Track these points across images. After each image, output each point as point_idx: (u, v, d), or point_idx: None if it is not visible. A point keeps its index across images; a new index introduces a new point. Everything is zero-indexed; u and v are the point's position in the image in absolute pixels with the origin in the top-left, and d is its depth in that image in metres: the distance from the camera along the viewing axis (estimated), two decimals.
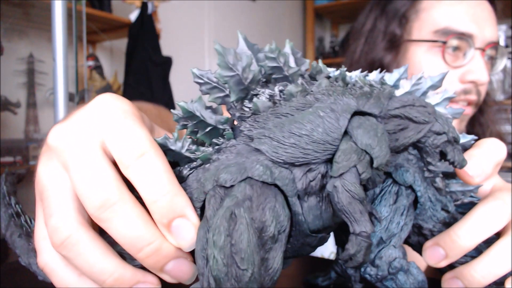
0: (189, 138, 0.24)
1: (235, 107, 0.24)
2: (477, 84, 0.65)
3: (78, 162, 0.22)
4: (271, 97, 0.23)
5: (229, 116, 0.24)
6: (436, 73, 0.31)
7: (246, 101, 0.23)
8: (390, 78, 0.31)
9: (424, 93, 0.31)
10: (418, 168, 0.31)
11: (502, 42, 2.12)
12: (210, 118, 0.23)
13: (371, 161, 0.22)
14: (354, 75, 0.26)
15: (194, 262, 0.23)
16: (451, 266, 0.29)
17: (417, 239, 0.33)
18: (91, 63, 1.65)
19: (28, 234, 0.28)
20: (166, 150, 0.23)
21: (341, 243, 0.35)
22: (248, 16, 2.48)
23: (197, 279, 0.22)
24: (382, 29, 0.70)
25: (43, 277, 0.26)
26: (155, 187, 0.21)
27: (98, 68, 1.66)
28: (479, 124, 0.72)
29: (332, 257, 0.67)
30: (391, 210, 0.29)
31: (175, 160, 0.24)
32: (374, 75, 0.30)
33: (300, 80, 0.24)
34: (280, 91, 0.23)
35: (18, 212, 0.29)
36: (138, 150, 0.21)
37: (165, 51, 1.71)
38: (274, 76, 0.23)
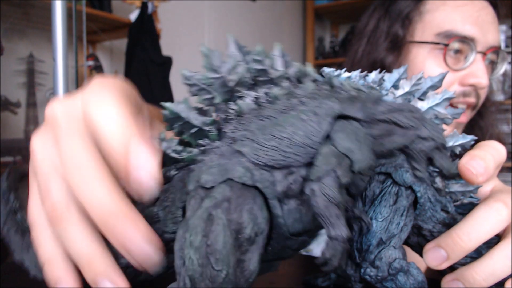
0: (176, 138, 0.24)
1: (221, 109, 0.24)
2: (476, 88, 0.65)
3: (62, 137, 0.23)
4: (256, 100, 0.23)
5: (217, 118, 0.24)
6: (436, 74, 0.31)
7: (231, 103, 0.23)
8: (389, 78, 0.31)
9: (424, 93, 0.31)
10: None
11: (502, 42, 2.12)
12: (195, 119, 0.23)
13: (352, 165, 0.22)
14: (348, 76, 0.26)
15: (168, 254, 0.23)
16: (451, 267, 0.29)
17: (417, 239, 0.33)
18: (91, 63, 1.65)
19: (24, 230, 0.28)
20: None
21: None
22: (248, 16, 2.48)
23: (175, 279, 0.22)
24: (385, 30, 0.70)
25: (35, 273, 0.26)
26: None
27: (98, 68, 1.67)
28: (479, 127, 0.72)
29: None
30: (391, 211, 0.29)
31: (162, 161, 0.24)
32: (374, 75, 0.30)
33: (286, 83, 0.24)
34: (266, 93, 0.23)
35: (16, 208, 0.29)
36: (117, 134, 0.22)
37: (165, 51, 1.71)
38: (260, 78, 0.23)
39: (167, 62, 1.67)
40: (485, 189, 0.33)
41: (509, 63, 0.74)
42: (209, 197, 0.21)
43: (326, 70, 0.28)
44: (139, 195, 0.22)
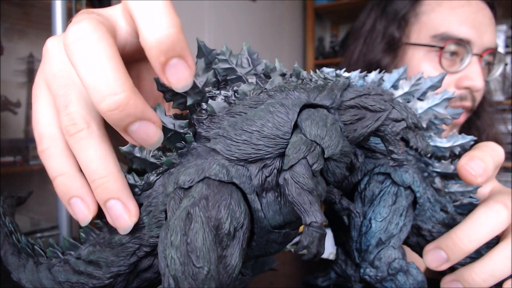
0: None
1: (194, 110, 0.24)
2: (472, 90, 0.65)
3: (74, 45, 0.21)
4: (226, 98, 0.24)
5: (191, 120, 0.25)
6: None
7: (203, 104, 0.24)
8: (389, 78, 0.31)
9: (424, 94, 0.31)
10: (418, 168, 0.31)
11: (501, 42, 2.11)
12: (170, 123, 0.24)
13: (323, 151, 0.22)
14: (347, 76, 0.26)
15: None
16: (451, 267, 0.29)
17: (416, 239, 0.33)
18: None
19: (19, 251, 0.29)
20: (132, 157, 0.24)
21: (340, 243, 0.35)
22: (248, 16, 2.48)
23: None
24: (381, 31, 0.70)
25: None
26: (159, 25, 0.20)
27: None
28: (476, 127, 0.71)
29: (332, 257, 0.67)
30: (390, 211, 0.29)
31: (142, 167, 0.25)
32: (373, 75, 0.30)
33: (253, 79, 0.24)
34: (235, 91, 0.24)
35: (11, 231, 0.30)
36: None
37: None
38: (228, 77, 0.24)
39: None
40: (484, 190, 0.33)
41: (506, 64, 0.74)
42: (187, 196, 0.22)
43: (326, 70, 0.28)
44: (173, 86, 0.20)
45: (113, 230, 0.25)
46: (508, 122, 0.92)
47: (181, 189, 0.23)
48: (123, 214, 0.23)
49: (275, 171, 0.23)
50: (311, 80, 0.25)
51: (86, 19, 0.21)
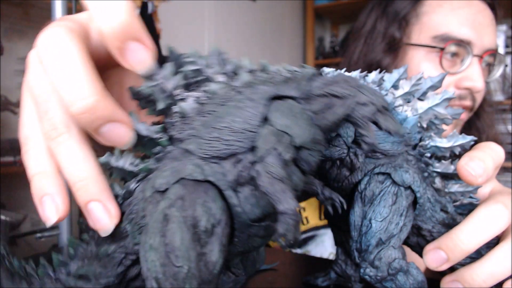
0: (130, 152, 0.25)
1: (167, 114, 0.24)
2: (472, 91, 0.65)
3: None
4: (197, 99, 0.24)
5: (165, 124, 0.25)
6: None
7: (175, 107, 0.24)
8: (389, 78, 0.31)
9: (424, 94, 0.31)
10: (418, 169, 0.31)
11: (501, 42, 2.11)
12: (144, 130, 0.24)
13: (293, 140, 0.23)
14: (351, 75, 0.26)
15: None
16: (451, 267, 0.29)
17: (416, 239, 0.33)
18: None
19: (13, 275, 0.29)
20: (110, 168, 0.24)
21: (340, 243, 0.35)
22: (248, 16, 2.48)
23: None
24: (382, 31, 0.69)
25: None
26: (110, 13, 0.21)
27: None
28: (476, 128, 0.72)
29: (332, 257, 0.67)
30: (390, 211, 0.29)
31: (122, 177, 0.25)
32: (374, 75, 0.31)
33: (222, 78, 0.24)
34: (204, 91, 0.24)
35: (3, 255, 0.30)
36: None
37: (165, 51, 1.71)
38: (197, 78, 0.24)
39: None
40: (484, 190, 0.33)
41: (506, 65, 0.74)
42: (164, 199, 0.22)
43: (326, 70, 0.28)
44: (136, 69, 0.22)
45: (99, 243, 0.26)
46: (508, 122, 0.92)
47: (158, 192, 0.23)
48: (104, 216, 0.23)
49: (249, 164, 0.23)
50: (279, 74, 0.25)
51: (55, 26, 0.22)
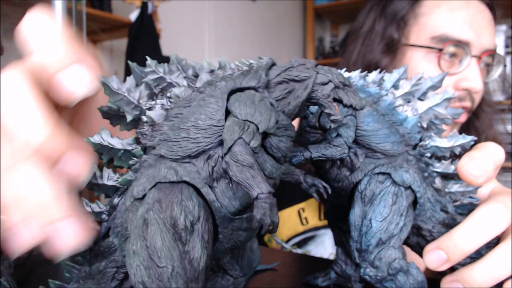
0: (109, 168, 0.25)
1: (138, 125, 0.25)
2: (470, 92, 0.65)
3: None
4: (163, 106, 0.25)
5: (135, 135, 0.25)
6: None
7: (143, 117, 0.25)
8: (389, 78, 0.31)
9: (424, 94, 0.31)
10: (418, 168, 0.31)
11: (501, 42, 2.11)
12: (118, 143, 0.25)
13: (257, 127, 0.23)
14: (348, 77, 0.27)
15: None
16: (451, 267, 0.29)
17: (416, 239, 0.33)
18: None
19: None
20: (92, 186, 0.25)
21: (340, 243, 0.35)
22: (248, 16, 2.48)
23: None
24: (380, 32, 0.69)
25: None
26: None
27: None
28: (475, 129, 0.72)
29: (332, 257, 0.67)
30: (390, 211, 0.29)
31: (104, 192, 0.25)
32: (374, 75, 0.31)
33: (184, 82, 0.25)
34: (168, 97, 0.25)
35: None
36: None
37: (165, 51, 1.71)
38: (160, 86, 0.25)
39: (167, 62, 1.67)
40: (484, 190, 0.33)
41: (505, 66, 0.74)
42: (142, 205, 0.23)
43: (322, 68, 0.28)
44: (66, 98, 0.22)
45: (91, 261, 0.26)
46: (508, 122, 0.92)
47: (136, 200, 0.23)
48: (74, 235, 0.22)
49: (220, 159, 0.24)
50: (237, 69, 0.26)
51: (10, 70, 0.24)
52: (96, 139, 0.25)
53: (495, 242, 0.30)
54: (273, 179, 0.25)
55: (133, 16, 1.66)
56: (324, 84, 0.25)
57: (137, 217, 0.22)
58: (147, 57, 0.25)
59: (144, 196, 0.23)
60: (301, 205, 0.71)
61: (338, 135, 0.29)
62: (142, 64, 0.26)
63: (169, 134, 0.24)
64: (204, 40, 2.23)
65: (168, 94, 0.25)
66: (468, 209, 0.32)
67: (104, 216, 0.26)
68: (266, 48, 2.58)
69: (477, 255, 0.30)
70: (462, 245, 0.28)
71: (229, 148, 0.22)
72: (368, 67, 0.68)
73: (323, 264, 0.44)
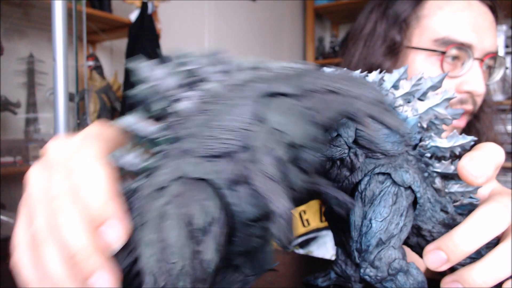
0: (135, 151, 0.25)
1: (166, 115, 0.25)
2: (473, 95, 0.64)
3: (51, 175, 0.25)
4: (191, 99, 0.24)
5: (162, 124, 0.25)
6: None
7: (171, 108, 0.24)
8: (389, 78, 0.31)
9: (424, 94, 0.31)
10: (418, 169, 0.31)
11: (501, 42, 2.11)
12: (145, 129, 0.24)
13: (288, 139, 0.22)
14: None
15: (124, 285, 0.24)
16: (451, 267, 0.29)
17: (416, 240, 0.33)
18: (91, 63, 1.64)
19: None
20: (115, 166, 0.25)
21: (340, 243, 0.35)
22: (248, 16, 2.48)
23: None
24: (382, 34, 0.69)
25: None
26: (92, 195, 0.23)
27: (98, 68, 1.66)
28: (475, 130, 0.71)
29: (334, 259, 0.67)
30: (390, 211, 0.29)
31: (126, 174, 0.25)
32: (374, 76, 0.31)
33: (216, 77, 0.24)
34: (200, 91, 0.24)
35: None
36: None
37: (165, 51, 1.71)
38: (192, 78, 0.24)
39: (168, 62, 1.67)
40: (484, 191, 0.33)
41: (507, 68, 0.74)
42: (161, 196, 0.22)
43: (326, 70, 0.28)
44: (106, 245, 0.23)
45: None
46: (508, 123, 0.92)
47: (156, 190, 0.23)
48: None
49: (244, 163, 0.23)
50: (274, 70, 0.25)
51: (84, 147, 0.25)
52: (126, 121, 0.24)
53: (495, 242, 0.30)
54: (296, 192, 0.24)
55: (133, 16, 1.66)
56: (362, 100, 0.24)
57: (155, 208, 0.22)
58: (181, 47, 0.24)
59: (163, 188, 0.23)
60: (302, 207, 0.71)
61: (338, 135, 0.29)
62: None
63: (195, 130, 0.23)
64: (204, 40, 2.23)
65: (199, 88, 0.24)
66: (468, 209, 0.32)
67: (124, 196, 0.25)
68: (266, 48, 2.58)
69: (477, 255, 0.30)
70: (462, 245, 0.28)
71: (255, 156, 0.21)
72: (370, 69, 0.68)
73: (323, 264, 0.44)
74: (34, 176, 0.26)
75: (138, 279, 0.27)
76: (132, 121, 0.24)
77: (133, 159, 0.25)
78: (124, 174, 0.25)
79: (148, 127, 0.24)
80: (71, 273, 0.24)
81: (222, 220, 0.22)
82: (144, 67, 0.23)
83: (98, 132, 0.28)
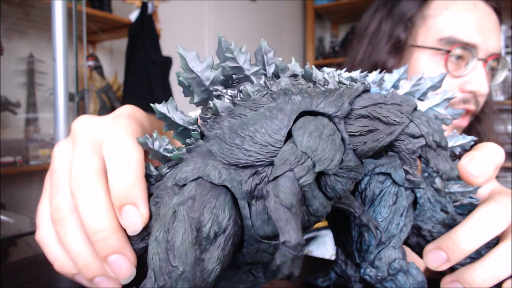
0: (167, 138, 0.25)
1: (205, 107, 0.24)
2: (476, 95, 0.65)
3: (76, 152, 0.25)
4: (232, 98, 0.23)
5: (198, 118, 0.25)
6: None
7: (210, 102, 0.23)
8: (389, 78, 0.31)
9: (424, 94, 0.31)
10: None
11: (502, 42, 2.11)
12: (180, 119, 0.24)
13: (314, 165, 0.20)
14: (348, 76, 0.26)
15: (136, 267, 0.25)
16: (451, 267, 0.29)
17: (416, 240, 0.33)
18: (91, 63, 1.64)
19: None
20: (147, 148, 0.25)
21: (340, 243, 0.35)
22: (248, 16, 2.48)
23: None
24: (387, 32, 0.69)
25: None
26: (119, 175, 0.24)
27: (98, 68, 1.66)
28: (476, 132, 0.72)
29: (333, 258, 0.67)
30: (390, 211, 0.29)
31: (156, 159, 0.25)
32: (374, 76, 0.30)
33: (262, 80, 0.23)
34: (240, 91, 0.23)
35: None
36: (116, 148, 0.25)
37: (165, 51, 1.71)
38: (235, 76, 0.23)
39: (167, 62, 1.67)
40: (484, 190, 0.33)
41: (510, 70, 0.74)
42: (178, 194, 0.22)
43: (327, 70, 0.28)
44: (126, 229, 0.24)
45: None
46: (508, 123, 0.92)
47: (176, 185, 0.23)
48: (126, 266, 0.25)
49: (266, 179, 0.21)
50: (323, 84, 0.23)
51: (86, 157, 0.25)
52: (162, 108, 0.24)
53: (495, 242, 0.30)
54: (316, 217, 0.23)
55: (133, 16, 1.66)
56: (414, 137, 0.21)
57: (170, 205, 0.22)
58: (231, 41, 0.23)
59: (183, 185, 0.22)
60: None
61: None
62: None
63: (226, 134, 0.22)
64: (204, 40, 2.23)
65: (241, 88, 0.23)
66: (468, 209, 0.32)
67: (152, 180, 0.26)
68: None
69: (477, 255, 0.30)
70: (462, 245, 0.28)
71: (275, 178, 0.20)
72: (375, 68, 0.68)
73: (323, 264, 0.44)
74: (59, 152, 0.27)
75: (147, 266, 0.27)
76: (169, 108, 0.24)
77: (165, 145, 0.25)
78: (152, 158, 0.26)
79: (184, 117, 0.24)
80: (93, 251, 0.25)
81: (231, 231, 0.21)
82: (191, 56, 0.23)
83: (132, 113, 0.28)
